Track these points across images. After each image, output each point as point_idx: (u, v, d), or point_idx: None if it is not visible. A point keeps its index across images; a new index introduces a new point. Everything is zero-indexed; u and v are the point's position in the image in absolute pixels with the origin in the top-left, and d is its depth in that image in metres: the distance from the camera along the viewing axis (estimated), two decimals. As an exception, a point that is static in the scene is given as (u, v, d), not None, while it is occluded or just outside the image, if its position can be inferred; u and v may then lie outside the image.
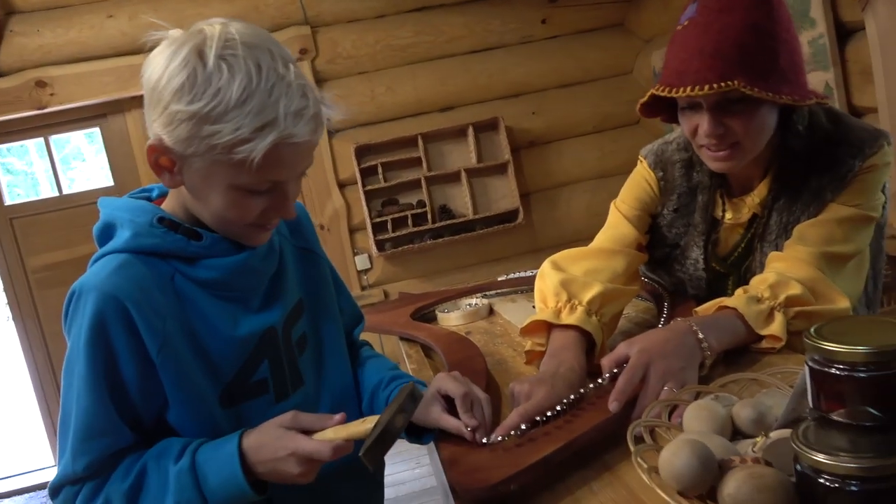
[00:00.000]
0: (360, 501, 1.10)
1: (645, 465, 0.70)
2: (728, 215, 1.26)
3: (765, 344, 1.07)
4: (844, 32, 2.37)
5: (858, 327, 0.59)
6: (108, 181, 3.66)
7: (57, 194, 3.63)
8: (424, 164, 3.64)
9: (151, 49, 0.85)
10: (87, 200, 3.56)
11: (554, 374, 1.01)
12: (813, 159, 1.16)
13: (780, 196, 1.19)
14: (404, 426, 0.82)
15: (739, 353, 1.08)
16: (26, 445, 4.85)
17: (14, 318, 3.61)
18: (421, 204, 3.64)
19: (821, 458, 0.54)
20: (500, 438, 0.88)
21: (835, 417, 0.56)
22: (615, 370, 0.97)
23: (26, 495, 3.70)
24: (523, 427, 0.89)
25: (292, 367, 0.99)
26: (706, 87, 1.04)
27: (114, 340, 0.83)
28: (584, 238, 1.39)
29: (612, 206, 1.39)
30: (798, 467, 0.58)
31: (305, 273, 1.07)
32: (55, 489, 0.87)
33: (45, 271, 3.57)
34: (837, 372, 0.55)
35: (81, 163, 10.27)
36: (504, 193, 3.76)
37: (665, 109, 1.22)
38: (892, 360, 0.53)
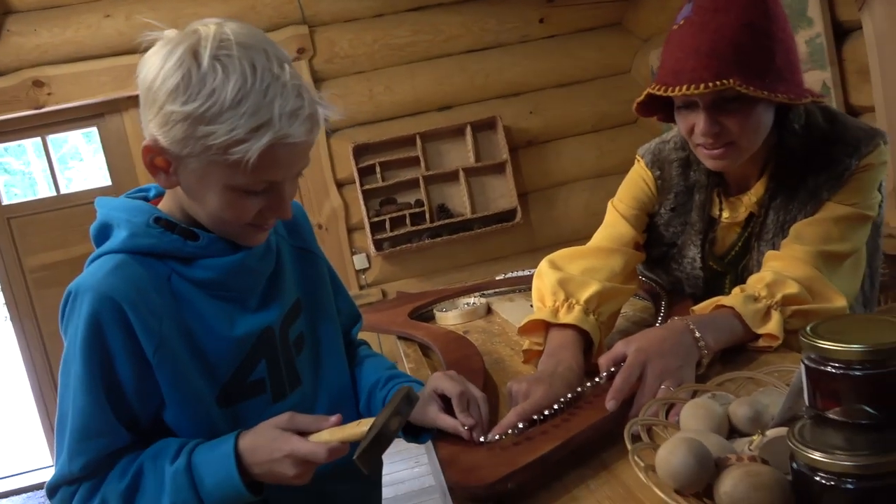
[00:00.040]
0: (358, 501, 1.10)
1: (642, 464, 0.70)
2: (725, 214, 1.27)
3: (762, 342, 1.08)
4: (841, 32, 2.37)
5: (855, 326, 0.58)
6: (105, 181, 3.65)
7: (54, 194, 3.62)
8: (422, 164, 3.64)
9: (146, 50, 0.85)
10: (84, 200, 3.56)
11: (552, 374, 1.01)
12: (809, 158, 1.16)
13: (777, 195, 1.20)
14: (399, 429, 0.82)
15: (736, 352, 1.08)
16: (24, 445, 4.85)
17: (12, 318, 3.60)
18: (419, 203, 3.64)
19: (817, 456, 0.54)
20: (497, 437, 0.88)
21: (831, 416, 0.56)
22: (612, 369, 0.97)
23: (24, 495, 3.70)
24: (521, 426, 0.89)
25: (290, 367, 0.99)
26: (702, 85, 1.04)
27: (110, 341, 0.83)
28: (582, 237, 1.39)
29: (609, 205, 1.39)
30: (794, 465, 0.58)
31: (303, 273, 1.06)
32: (52, 489, 0.87)
33: (43, 271, 3.57)
34: (833, 370, 0.55)
35: (79, 162, 10.27)
36: (502, 193, 3.76)
37: (662, 109, 1.22)
38: (887, 359, 0.53)
